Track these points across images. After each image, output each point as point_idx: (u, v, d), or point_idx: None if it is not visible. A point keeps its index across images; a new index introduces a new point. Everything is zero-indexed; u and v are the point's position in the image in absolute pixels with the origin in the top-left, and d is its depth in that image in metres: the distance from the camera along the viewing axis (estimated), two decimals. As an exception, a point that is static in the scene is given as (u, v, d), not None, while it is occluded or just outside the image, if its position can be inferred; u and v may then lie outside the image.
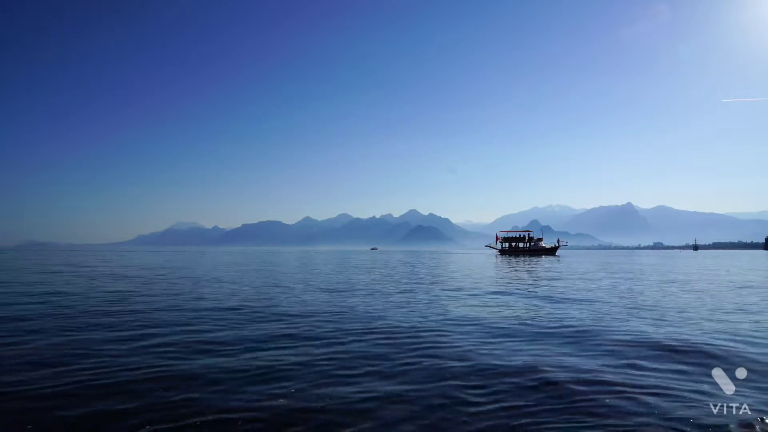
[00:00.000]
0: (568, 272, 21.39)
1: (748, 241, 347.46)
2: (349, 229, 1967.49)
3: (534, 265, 28.00)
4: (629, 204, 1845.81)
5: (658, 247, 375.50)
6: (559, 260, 38.00)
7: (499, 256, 48.39)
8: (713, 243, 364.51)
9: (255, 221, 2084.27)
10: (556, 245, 59.56)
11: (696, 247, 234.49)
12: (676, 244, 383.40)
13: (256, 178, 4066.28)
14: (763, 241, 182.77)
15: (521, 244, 59.99)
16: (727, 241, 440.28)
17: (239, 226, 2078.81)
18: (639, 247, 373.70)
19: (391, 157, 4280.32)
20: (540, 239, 60.07)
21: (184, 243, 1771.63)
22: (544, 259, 39.33)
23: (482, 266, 27.48)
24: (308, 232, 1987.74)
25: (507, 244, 61.08)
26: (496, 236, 62.64)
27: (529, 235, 60.42)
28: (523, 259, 40.29)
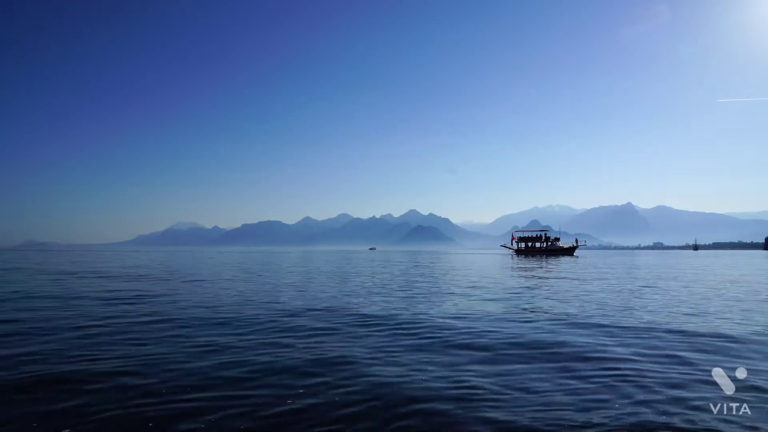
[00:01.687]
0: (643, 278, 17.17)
1: (748, 241, 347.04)
2: (349, 229, 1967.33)
3: (577, 269, 23.94)
4: (629, 204, 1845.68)
5: (658, 247, 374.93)
6: (577, 261, 36.13)
7: (516, 257, 47.01)
8: (713, 243, 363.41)
9: (255, 221, 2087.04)
10: (575, 245, 57.68)
11: (696, 247, 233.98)
12: (676, 244, 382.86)
13: (256, 178, 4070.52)
14: (763, 241, 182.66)
15: (538, 244, 58.45)
16: (727, 241, 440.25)
17: (239, 226, 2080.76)
18: (639, 247, 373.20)
19: (391, 157, 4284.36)
20: (557, 239, 58.83)
21: (184, 243, 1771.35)
22: (567, 260, 36.96)
23: (537, 273, 20.50)
24: (308, 232, 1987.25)
25: (523, 244, 60.01)
26: (512, 236, 61.42)
27: (546, 234, 58.80)
28: (543, 259, 38.93)
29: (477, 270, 22.78)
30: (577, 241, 58.77)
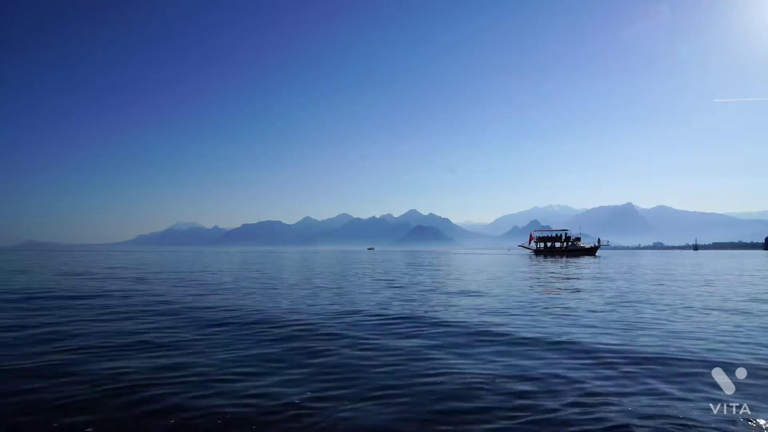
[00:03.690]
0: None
1: (748, 241, 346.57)
2: (349, 229, 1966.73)
3: (624, 272, 21.73)
4: (629, 204, 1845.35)
5: (658, 247, 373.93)
6: (600, 262, 34.47)
7: (534, 257, 45.93)
8: (713, 243, 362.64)
9: (255, 221, 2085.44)
10: (596, 245, 55.77)
11: (696, 247, 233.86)
12: (676, 244, 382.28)
13: (256, 178, 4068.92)
14: (763, 241, 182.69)
15: (558, 244, 56.47)
16: (727, 241, 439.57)
17: (239, 226, 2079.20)
18: (639, 247, 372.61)
19: (391, 157, 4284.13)
20: (578, 239, 56.86)
21: (184, 243, 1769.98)
22: (592, 261, 35.10)
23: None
24: (308, 232, 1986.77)
25: (542, 244, 58.03)
26: (531, 236, 59.73)
27: (566, 234, 56.86)
28: (565, 260, 37.31)
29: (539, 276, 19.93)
30: (599, 240, 56.53)
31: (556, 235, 57.27)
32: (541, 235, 58.94)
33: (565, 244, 55.91)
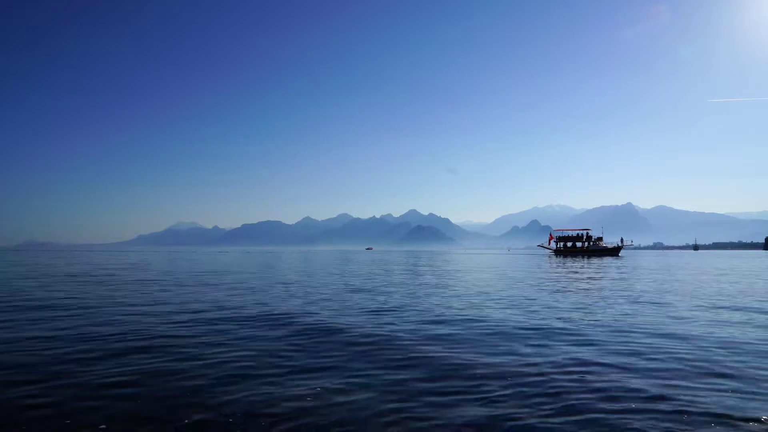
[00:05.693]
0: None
1: (748, 241, 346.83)
2: (349, 229, 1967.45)
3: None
4: (629, 204, 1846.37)
5: (658, 247, 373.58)
6: (625, 262, 32.99)
7: (554, 257, 44.47)
8: (713, 243, 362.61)
9: (255, 221, 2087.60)
10: (620, 245, 53.58)
11: (696, 247, 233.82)
12: (676, 244, 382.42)
13: (256, 178, 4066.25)
14: (763, 241, 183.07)
15: (579, 244, 54.43)
16: (727, 241, 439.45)
17: (239, 226, 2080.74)
18: (639, 247, 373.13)
19: (391, 157, 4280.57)
20: (600, 238, 54.55)
21: (184, 243, 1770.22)
22: (617, 262, 33.31)
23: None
24: (308, 232, 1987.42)
25: (562, 244, 55.83)
26: (550, 235, 58.05)
27: (588, 233, 54.69)
28: (587, 260, 35.69)
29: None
30: (622, 240, 54.81)
31: (578, 234, 55.58)
32: (561, 234, 57.18)
33: (586, 244, 54.30)
